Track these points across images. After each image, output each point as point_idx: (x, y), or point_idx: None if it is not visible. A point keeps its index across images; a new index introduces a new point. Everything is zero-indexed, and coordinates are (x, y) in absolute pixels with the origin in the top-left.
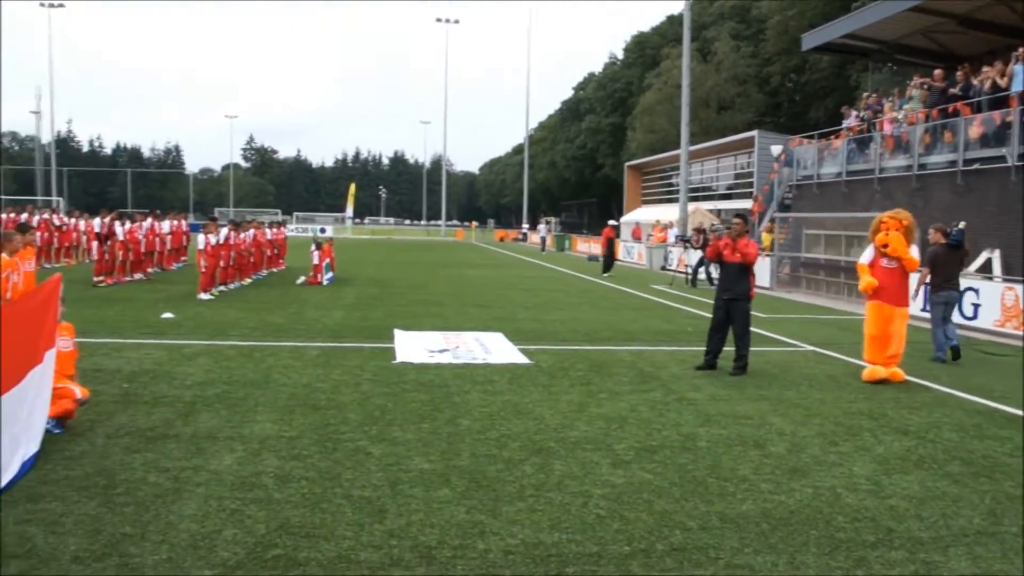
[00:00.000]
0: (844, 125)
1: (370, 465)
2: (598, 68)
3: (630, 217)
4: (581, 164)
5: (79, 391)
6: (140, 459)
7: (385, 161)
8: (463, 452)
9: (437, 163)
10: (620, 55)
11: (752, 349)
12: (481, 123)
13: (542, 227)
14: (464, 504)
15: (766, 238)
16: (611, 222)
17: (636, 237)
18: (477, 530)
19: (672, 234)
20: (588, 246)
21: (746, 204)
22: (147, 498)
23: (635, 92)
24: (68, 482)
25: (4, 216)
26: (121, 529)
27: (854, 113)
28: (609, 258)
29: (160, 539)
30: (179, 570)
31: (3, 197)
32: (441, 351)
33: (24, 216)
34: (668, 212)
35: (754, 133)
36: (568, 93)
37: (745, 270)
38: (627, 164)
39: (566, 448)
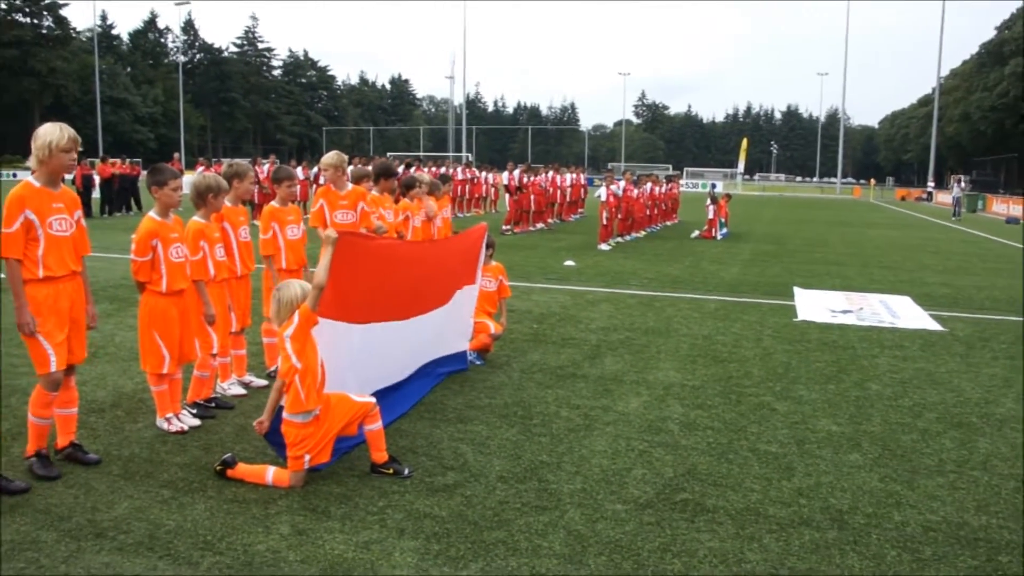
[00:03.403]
0: None
1: (775, 421)
2: None
3: None
4: (1001, 115)
5: (493, 326)
6: (552, 394)
7: (777, 116)
8: (874, 417)
9: (833, 117)
10: None
11: None
12: (883, 72)
13: (955, 186)
14: (877, 471)
15: None
16: None
17: None
18: (892, 500)
19: None
20: (1006, 207)
21: None
22: (560, 431)
23: None
24: (491, 409)
25: (426, 169)
26: (539, 457)
27: None
28: None
29: (574, 470)
30: (593, 501)
31: (422, 153)
32: (844, 312)
33: (443, 169)
34: None
35: None
36: (989, 34)
37: None
38: None
39: (991, 425)
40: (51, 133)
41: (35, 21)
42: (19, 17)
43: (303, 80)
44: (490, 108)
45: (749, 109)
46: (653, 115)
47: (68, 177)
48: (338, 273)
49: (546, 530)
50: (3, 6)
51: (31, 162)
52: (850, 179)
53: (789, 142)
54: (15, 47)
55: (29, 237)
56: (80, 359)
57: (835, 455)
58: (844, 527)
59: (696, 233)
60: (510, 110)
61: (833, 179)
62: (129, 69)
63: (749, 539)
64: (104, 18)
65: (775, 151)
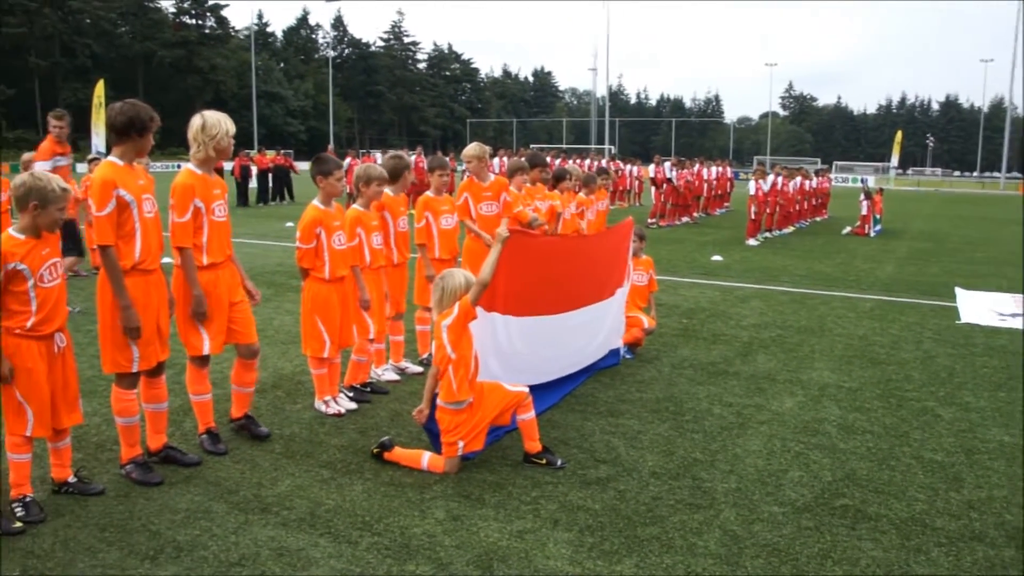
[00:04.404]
0: None
1: (940, 428)
2: None
3: None
4: None
5: (647, 320)
6: (704, 391)
7: (934, 106)
8: None
9: (997, 106)
10: None
11: None
12: None
13: None
14: None
15: None
16: None
17: None
18: None
19: None
20: None
21: None
22: (713, 429)
23: None
24: (642, 404)
25: (571, 162)
26: (692, 454)
27: None
28: None
29: (728, 469)
30: (748, 502)
31: (564, 146)
32: (1013, 315)
33: (598, 163)
34: None
35: None
36: None
37: None
38: None
39: None
40: (223, 121)
41: (199, 22)
42: (186, 19)
43: (447, 73)
44: (632, 100)
45: (903, 100)
46: (800, 107)
47: (227, 167)
48: (504, 270)
49: (701, 529)
50: (173, 10)
51: (196, 151)
52: (1015, 174)
53: (947, 134)
54: (182, 47)
55: (195, 225)
56: (247, 340)
57: (1008, 467)
58: (1022, 546)
59: (848, 229)
60: (653, 102)
61: (996, 174)
62: (282, 65)
63: (915, 551)
64: (260, 17)
65: (931, 144)
